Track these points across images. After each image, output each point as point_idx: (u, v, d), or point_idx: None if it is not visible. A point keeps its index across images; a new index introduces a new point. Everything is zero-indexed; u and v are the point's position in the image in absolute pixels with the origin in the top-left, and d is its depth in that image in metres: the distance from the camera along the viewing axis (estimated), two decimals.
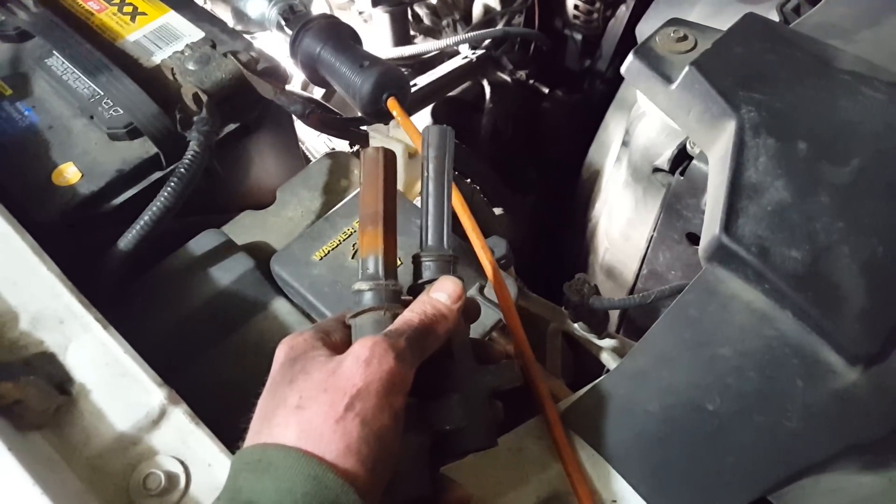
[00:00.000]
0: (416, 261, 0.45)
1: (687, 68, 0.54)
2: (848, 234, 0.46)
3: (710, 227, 0.48)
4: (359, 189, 0.65)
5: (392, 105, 0.64)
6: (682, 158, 0.68)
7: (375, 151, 0.43)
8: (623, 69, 0.59)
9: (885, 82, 0.54)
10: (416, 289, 0.44)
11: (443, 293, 0.41)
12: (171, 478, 0.43)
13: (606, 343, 0.69)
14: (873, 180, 0.49)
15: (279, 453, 0.33)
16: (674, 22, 0.59)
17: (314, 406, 0.34)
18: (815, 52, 0.56)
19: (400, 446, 0.36)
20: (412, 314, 0.39)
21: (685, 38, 0.57)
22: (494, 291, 0.51)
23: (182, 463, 0.44)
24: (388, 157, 0.43)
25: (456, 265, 0.45)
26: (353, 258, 0.60)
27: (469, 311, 0.44)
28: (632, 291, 0.86)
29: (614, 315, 0.91)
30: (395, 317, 0.40)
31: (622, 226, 0.84)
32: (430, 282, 0.43)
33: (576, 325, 0.68)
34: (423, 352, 0.39)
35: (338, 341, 0.40)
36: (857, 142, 0.50)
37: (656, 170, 0.72)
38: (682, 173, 0.67)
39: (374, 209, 0.42)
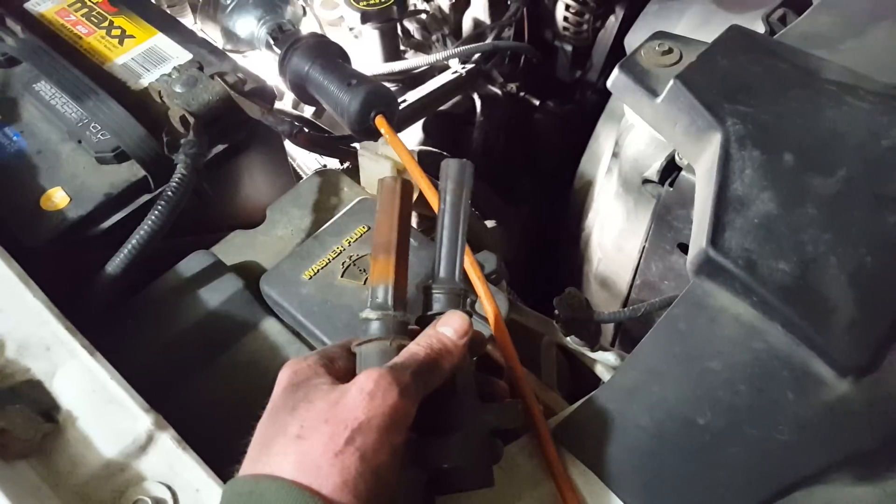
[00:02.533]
0: (427, 292, 0.44)
1: (672, 82, 0.54)
2: (835, 245, 0.46)
3: (697, 240, 0.48)
4: (347, 207, 0.66)
5: (380, 123, 0.64)
6: (671, 170, 0.68)
7: (393, 181, 0.43)
8: (609, 83, 0.59)
9: (870, 91, 0.54)
10: (425, 320, 0.44)
11: (449, 328, 0.41)
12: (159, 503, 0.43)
13: (599, 356, 0.69)
14: (860, 190, 0.49)
15: (271, 486, 0.33)
16: (659, 35, 0.59)
17: (314, 437, 0.34)
18: (800, 62, 0.56)
19: (397, 482, 0.35)
20: (418, 347, 0.39)
21: (670, 51, 0.57)
22: (483, 307, 0.51)
23: (170, 488, 0.44)
24: (406, 187, 0.43)
25: (466, 299, 0.44)
26: (342, 277, 0.59)
27: (474, 345, 0.44)
28: (626, 302, 0.86)
29: (610, 327, 0.91)
30: (401, 348, 0.39)
31: (614, 237, 0.84)
32: (439, 314, 0.43)
33: (568, 338, 0.68)
34: (427, 387, 0.38)
35: (341, 369, 0.40)
36: (843, 152, 0.50)
37: (646, 181, 0.72)
38: (671, 184, 0.67)
39: (388, 238, 0.42)
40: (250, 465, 0.35)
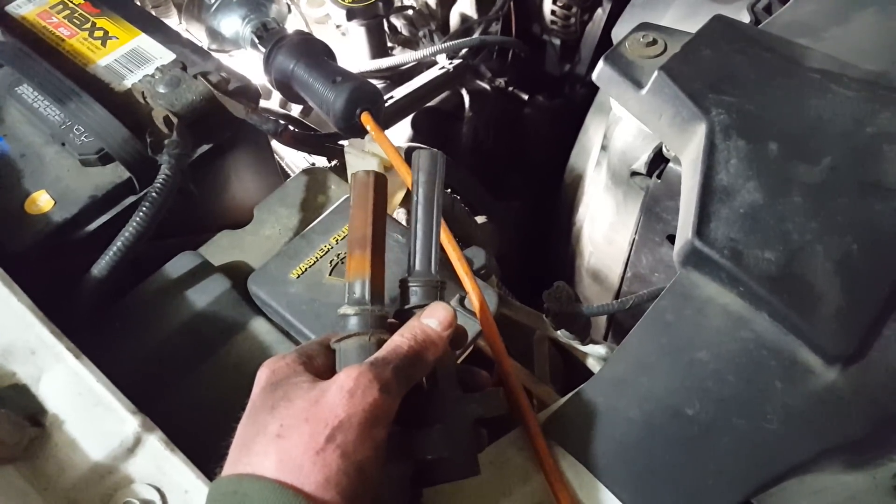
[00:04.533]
0: (404, 286, 0.44)
1: (656, 73, 0.54)
2: (821, 234, 0.46)
3: (683, 231, 0.48)
4: (335, 205, 0.66)
5: (366, 120, 0.64)
6: (658, 161, 0.68)
7: (366, 175, 0.42)
8: (594, 76, 0.59)
9: (855, 79, 0.54)
10: (403, 314, 0.44)
11: (434, 319, 0.41)
12: None
13: (590, 349, 0.69)
14: (845, 178, 0.49)
15: (255, 485, 0.32)
16: (643, 27, 0.59)
17: (294, 436, 0.34)
18: (784, 51, 0.56)
19: (381, 476, 0.35)
20: (402, 339, 0.39)
21: (655, 42, 0.57)
22: (471, 303, 0.51)
23: (158, 490, 0.44)
24: (379, 180, 0.43)
25: (443, 291, 0.44)
26: (330, 275, 0.59)
27: (455, 337, 0.44)
28: (618, 295, 0.86)
29: (602, 320, 0.91)
30: (380, 342, 0.39)
31: (605, 230, 0.84)
32: (419, 307, 0.43)
33: (559, 332, 0.68)
34: (409, 380, 0.38)
35: (321, 366, 0.39)
36: (828, 140, 0.50)
37: (634, 173, 0.72)
38: (659, 176, 0.67)
39: (363, 233, 0.41)
40: (232, 466, 0.35)
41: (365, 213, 0.42)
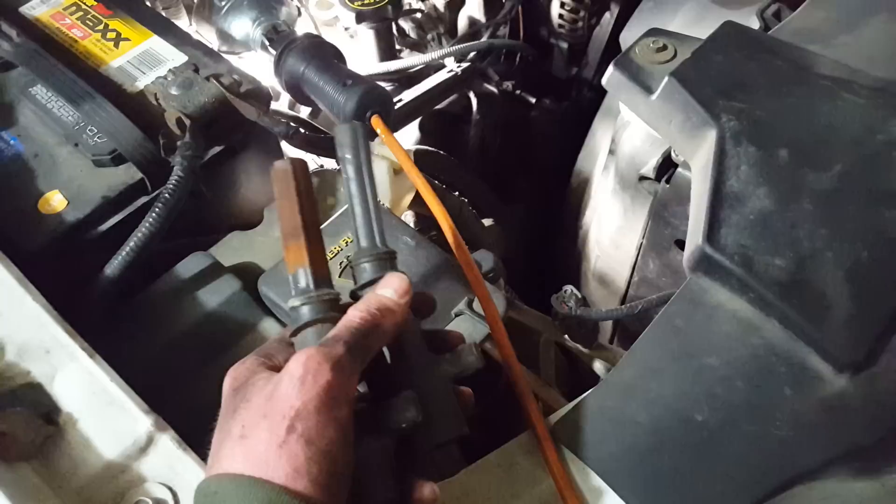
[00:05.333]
0: (353, 265, 0.44)
1: (666, 79, 0.54)
2: (832, 241, 0.46)
3: (693, 237, 0.48)
4: (344, 207, 0.66)
5: (376, 123, 0.64)
6: (667, 166, 0.68)
7: (284, 163, 0.41)
8: (604, 81, 0.59)
9: (865, 86, 0.54)
10: (357, 294, 0.43)
11: (389, 289, 0.41)
12: None
13: (597, 353, 0.69)
14: (856, 185, 0.49)
15: (231, 483, 0.33)
16: (653, 32, 0.59)
17: (256, 433, 0.34)
18: (795, 58, 0.56)
19: (355, 455, 0.35)
20: (354, 313, 0.39)
21: (664, 47, 0.57)
22: (481, 306, 0.51)
23: (170, 489, 0.44)
24: (299, 167, 0.42)
25: (394, 261, 0.44)
26: (339, 277, 0.60)
27: (420, 305, 0.44)
28: (624, 299, 0.86)
29: (608, 324, 0.91)
30: (335, 324, 0.39)
31: (612, 234, 0.84)
32: (372, 282, 0.42)
33: (566, 336, 0.68)
34: (366, 351, 0.38)
35: (281, 363, 0.39)
36: (838, 147, 0.51)
37: (642, 178, 0.72)
38: (667, 181, 0.68)
39: (293, 223, 0.41)
40: (207, 473, 0.35)
41: (291, 203, 0.41)
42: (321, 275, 0.40)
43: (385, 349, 0.41)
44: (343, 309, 0.40)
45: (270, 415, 0.34)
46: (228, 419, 0.36)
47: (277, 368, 0.38)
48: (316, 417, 0.34)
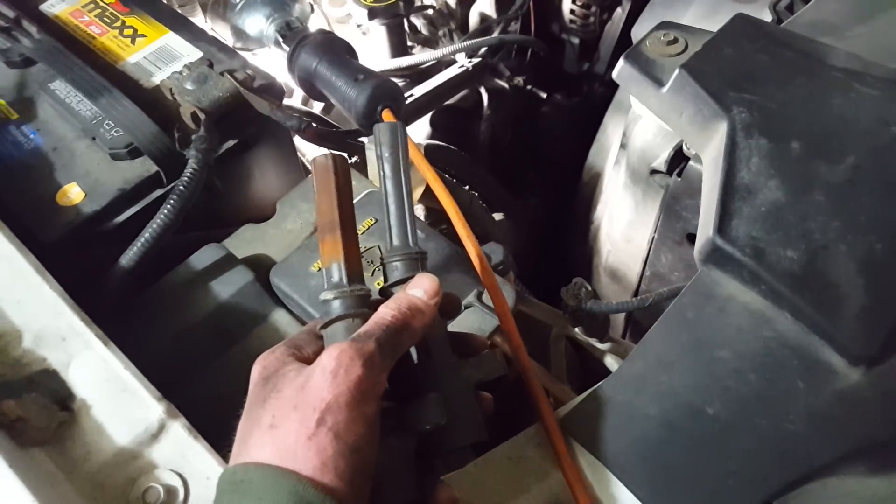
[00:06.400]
0: (384, 263, 0.44)
1: (677, 71, 0.53)
2: (844, 233, 0.46)
3: (704, 229, 0.48)
4: (355, 200, 0.66)
5: (387, 117, 0.64)
6: (678, 160, 0.68)
7: (325, 158, 0.42)
8: (615, 74, 0.59)
9: (879, 78, 0.53)
10: (387, 291, 0.43)
11: (419, 289, 0.41)
12: (170, 491, 0.43)
13: (608, 347, 0.69)
14: (869, 177, 0.48)
15: (258, 472, 0.33)
16: (664, 25, 0.59)
17: (286, 424, 0.34)
18: (807, 50, 0.55)
19: (378, 453, 0.36)
20: (386, 311, 0.39)
21: (675, 40, 0.57)
22: (490, 298, 0.51)
23: (181, 476, 0.45)
24: (339, 162, 0.42)
25: (424, 261, 0.44)
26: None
27: (447, 307, 0.44)
28: (636, 293, 0.85)
29: (620, 318, 0.91)
30: (365, 320, 0.39)
31: (623, 228, 0.83)
32: (402, 282, 0.42)
33: (576, 329, 0.68)
34: (396, 349, 0.38)
35: (310, 355, 0.39)
36: (851, 139, 0.50)
37: (654, 171, 0.72)
38: (679, 174, 0.67)
39: (331, 217, 0.41)
40: (233, 460, 0.35)
41: (330, 197, 0.41)
42: (354, 270, 0.41)
43: (412, 349, 0.42)
44: (373, 305, 0.41)
45: (301, 406, 0.34)
46: (258, 408, 0.36)
47: (307, 360, 0.38)
48: (346, 412, 0.34)
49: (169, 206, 0.58)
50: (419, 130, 1.04)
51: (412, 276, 0.42)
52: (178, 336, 0.58)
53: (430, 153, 0.89)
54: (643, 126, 0.76)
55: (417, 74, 1.03)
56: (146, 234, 0.57)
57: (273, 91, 0.69)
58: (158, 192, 0.64)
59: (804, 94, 0.52)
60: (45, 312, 0.50)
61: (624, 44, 1.10)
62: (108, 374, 0.47)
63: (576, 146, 1.09)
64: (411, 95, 0.97)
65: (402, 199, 0.44)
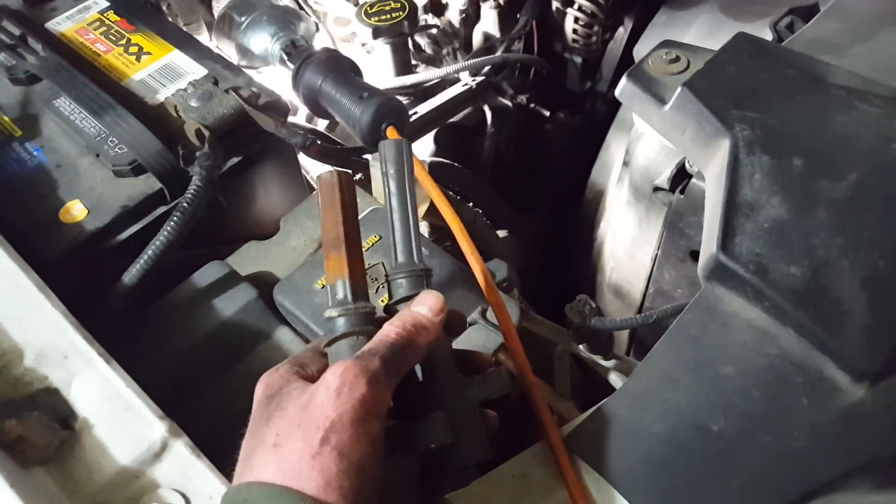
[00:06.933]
0: (388, 280, 0.44)
1: (679, 89, 0.54)
2: (847, 249, 0.46)
3: (708, 245, 0.48)
4: (359, 216, 0.66)
5: (391, 134, 0.65)
6: (681, 177, 0.68)
7: (330, 175, 0.42)
8: (617, 92, 0.59)
9: (880, 96, 0.54)
10: (392, 309, 0.43)
11: (424, 306, 0.41)
12: None
13: (613, 364, 0.69)
14: (871, 194, 0.48)
15: (262, 491, 0.33)
16: (666, 44, 0.59)
17: (290, 443, 0.34)
18: (808, 68, 0.56)
19: (382, 472, 0.35)
20: (390, 328, 0.39)
21: (677, 59, 0.58)
22: (494, 315, 0.51)
23: (183, 495, 0.44)
24: (345, 179, 0.42)
25: (429, 279, 0.44)
26: None
27: (452, 325, 0.44)
28: (639, 310, 0.85)
29: (624, 335, 0.91)
30: (369, 338, 0.39)
31: (627, 245, 0.83)
32: (407, 299, 0.42)
33: (581, 346, 0.67)
34: (400, 367, 0.38)
35: (315, 373, 0.39)
36: (853, 156, 0.50)
37: (657, 189, 0.72)
38: (682, 192, 0.67)
39: (336, 234, 0.41)
40: (237, 479, 0.35)
41: (334, 213, 0.41)
42: (359, 287, 0.41)
43: (417, 366, 0.42)
44: (378, 322, 0.41)
45: (305, 425, 0.34)
46: (262, 426, 0.36)
47: (311, 378, 0.38)
48: (350, 430, 0.34)
49: (172, 223, 0.58)
50: (423, 148, 1.05)
51: (417, 294, 0.42)
52: (181, 354, 0.58)
53: (433, 170, 0.90)
54: (646, 144, 0.76)
55: (421, 93, 1.04)
56: (149, 252, 0.57)
57: (278, 108, 0.70)
58: (162, 209, 0.65)
59: (806, 112, 0.52)
60: (46, 330, 0.49)
61: (626, 62, 1.11)
62: (110, 393, 0.47)
63: (579, 163, 1.09)
64: (415, 113, 0.97)
65: (408, 215, 0.44)
